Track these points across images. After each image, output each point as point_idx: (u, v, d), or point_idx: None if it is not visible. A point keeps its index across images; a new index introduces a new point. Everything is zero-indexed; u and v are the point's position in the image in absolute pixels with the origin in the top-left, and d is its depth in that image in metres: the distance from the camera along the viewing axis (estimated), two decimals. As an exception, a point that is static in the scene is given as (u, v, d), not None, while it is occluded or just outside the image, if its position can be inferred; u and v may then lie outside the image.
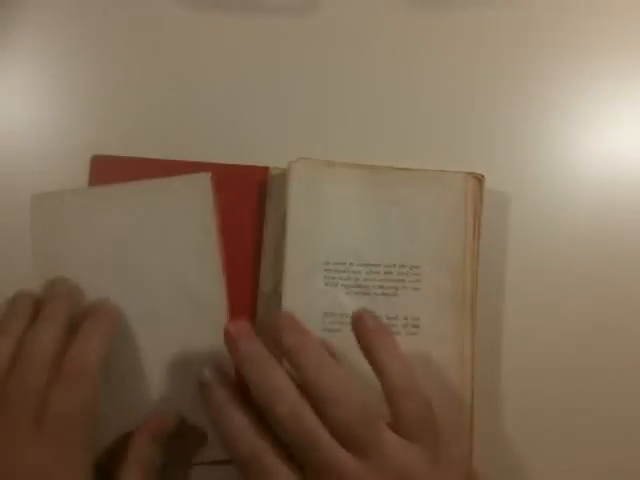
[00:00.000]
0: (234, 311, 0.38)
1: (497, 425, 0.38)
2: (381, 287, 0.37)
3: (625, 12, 0.42)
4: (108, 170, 0.39)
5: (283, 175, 0.38)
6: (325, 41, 0.42)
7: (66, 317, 0.35)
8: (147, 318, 0.37)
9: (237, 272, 0.38)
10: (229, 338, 0.32)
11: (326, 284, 0.37)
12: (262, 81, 0.42)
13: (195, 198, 0.38)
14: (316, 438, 0.30)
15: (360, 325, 0.33)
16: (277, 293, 0.37)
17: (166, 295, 0.38)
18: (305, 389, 0.31)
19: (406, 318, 0.36)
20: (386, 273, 0.37)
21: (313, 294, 0.36)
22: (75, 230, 0.38)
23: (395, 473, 0.30)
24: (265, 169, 0.39)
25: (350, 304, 0.36)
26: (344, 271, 0.37)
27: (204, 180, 0.39)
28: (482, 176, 0.38)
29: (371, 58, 0.42)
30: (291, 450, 0.31)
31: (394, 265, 0.37)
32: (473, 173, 0.38)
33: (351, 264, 0.37)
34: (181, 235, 0.38)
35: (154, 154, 0.40)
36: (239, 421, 0.31)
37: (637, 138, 0.41)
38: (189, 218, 0.38)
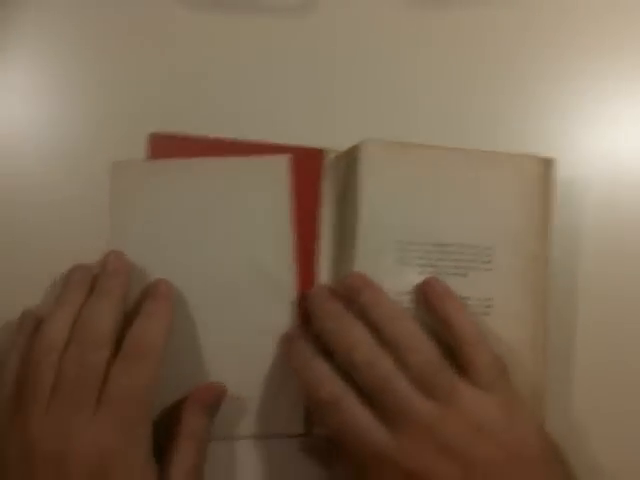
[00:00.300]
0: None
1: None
2: (453, 267, 0.37)
3: (625, 12, 0.42)
4: (165, 148, 0.40)
5: (340, 157, 0.39)
6: (325, 41, 0.42)
7: (123, 294, 0.35)
8: (217, 295, 0.38)
9: (299, 248, 0.39)
10: (313, 298, 0.36)
11: (398, 263, 0.37)
12: (262, 80, 0.42)
13: (274, 180, 0.39)
14: (392, 383, 0.31)
15: (429, 289, 0.36)
16: (340, 273, 0.38)
17: (237, 272, 0.38)
18: (381, 341, 0.33)
19: (479, 299, 0.36)
20: (458, 253, 0.37)
21: (385, 273, 0.36)
22: (153, 201, 0.39)
23: (471, 419, 0.31)
24: (319, 151, 0.40)
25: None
26: (416, 250, 0.37)
27: (283, 162, 0.39)
28: (553, 160, 0.38)
29: (371, 57, 0.42)
30: (368, 396, 0.32)
31: (466, 245, 0.37)
32: (544, 157, 0.38)
33: (423, 244, 0.37)
34: (258, 215, 0.39)
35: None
36: (320, 368, 0.33)
37: (637, 138, 0.41)
38: (267, 199, 0.39)
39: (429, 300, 0.35)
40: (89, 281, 0.35)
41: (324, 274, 0.39)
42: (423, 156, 0.38)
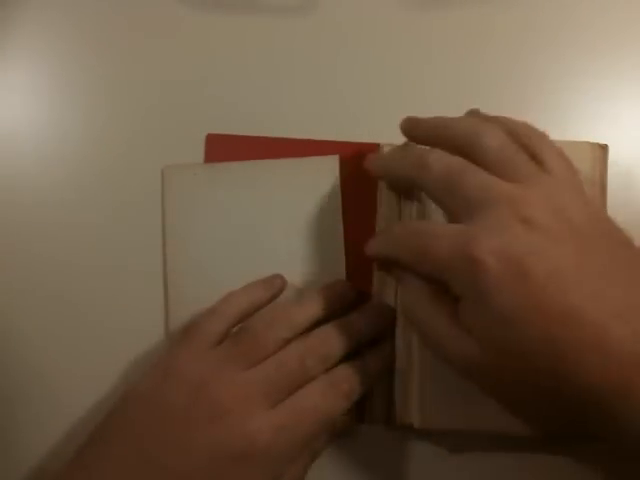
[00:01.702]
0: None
1: None
2: None
3: (626, 12, 0.42)
4: (221, 147, 0.40)
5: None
6: (325, 41, 0.42)
7: (368, 339, 0.35)
8: None
9: (351, 249, 0.39)
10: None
11: None
12: (262, 80, 0.42)
13: (324, 180, 0.39)
14: (467, 173, 0.29)
15: None
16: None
17: (287, 272, 0.38)
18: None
19: None
20: None
21: None
22: (205, 204, 0.39)
23: (552, 201, 0.28)
24: (375, 146, 0.40)
25: None
26: None
27: (333, 163, 0.39)
28: (606, 145, 0.38)
29: (371, 57, 0.42)
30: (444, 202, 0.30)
31: None
32: (598, 143, 0.38)
33: None
34: (308, 216, 0.39)
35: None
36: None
37: (638, 139, 0.41)
38: (316, 200, 0.39)
39: None
40: (341, 301, 0.36)
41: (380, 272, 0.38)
42: None
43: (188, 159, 0.40)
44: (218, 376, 0.31)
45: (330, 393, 0.32)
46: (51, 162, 0.40)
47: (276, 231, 0.39)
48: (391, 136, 0.40)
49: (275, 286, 0.36)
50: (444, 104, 0.41)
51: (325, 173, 0.39)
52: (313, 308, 0.35)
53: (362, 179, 0.39)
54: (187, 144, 0.40)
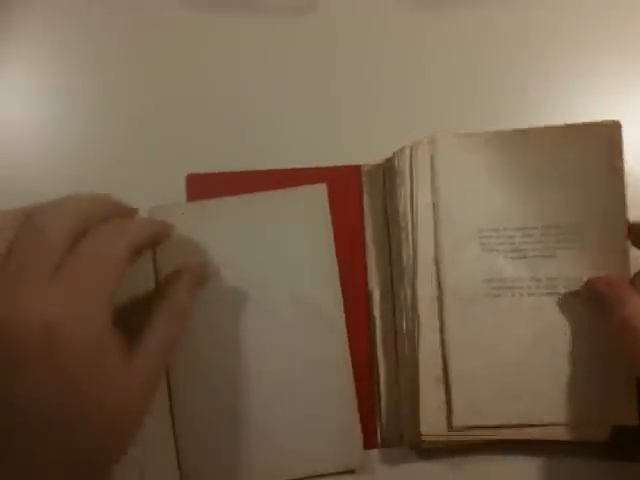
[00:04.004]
0: (345, 313, 0.38)
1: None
2: (540, 249, 0.37)
3: (626, 12, 0.43)
4: (202, 186, 0.40)
5: (377, 170, 0.40)
6: (325, 42, 0.43)
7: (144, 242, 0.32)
8: (266, 328, 0.38)
9: (341, 273, 0.39)
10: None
11: (482, 250, 0.37)
12: (262, 82, 0.42)
13: (313, 209, 0.39)
14: None
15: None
16: (390, 290, 0.38)
17: (284, 306, 0.38)
18: None
19: (570, 278, 0.36)
20: (542, 235, 0.37)
21: (471, 262, 0.37)
22: (194, 242, 0.39)
23: None
24: (356, 167, 0.40)
25: (508, 269, 0.37)
26: (498, 236, 0.37)
27: (320, 191, 0.39)
28: (619, 122, 0.37)
29: (371, 58, 0.43)
30: None
31: (550, 226, 0.37)
32: (613, 121, 0.37)
33: (505, 229, 0.37)
34: (300, 247, 0.39)
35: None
36: None
37: (638, 138, 0.41)
38: (308, 230, 0.39)
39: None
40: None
41: (374, 285, 0.39)
42: (491, 142, 0.38)
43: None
44: None
45: (103, 232, 0.30)
46: (51, 163, 0.41)
47: (270, 264, 0.38)
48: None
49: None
50: (444, 105, 0.42)
51: (314, 202, 0.39)
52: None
53: (347, 202, 0.40)
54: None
